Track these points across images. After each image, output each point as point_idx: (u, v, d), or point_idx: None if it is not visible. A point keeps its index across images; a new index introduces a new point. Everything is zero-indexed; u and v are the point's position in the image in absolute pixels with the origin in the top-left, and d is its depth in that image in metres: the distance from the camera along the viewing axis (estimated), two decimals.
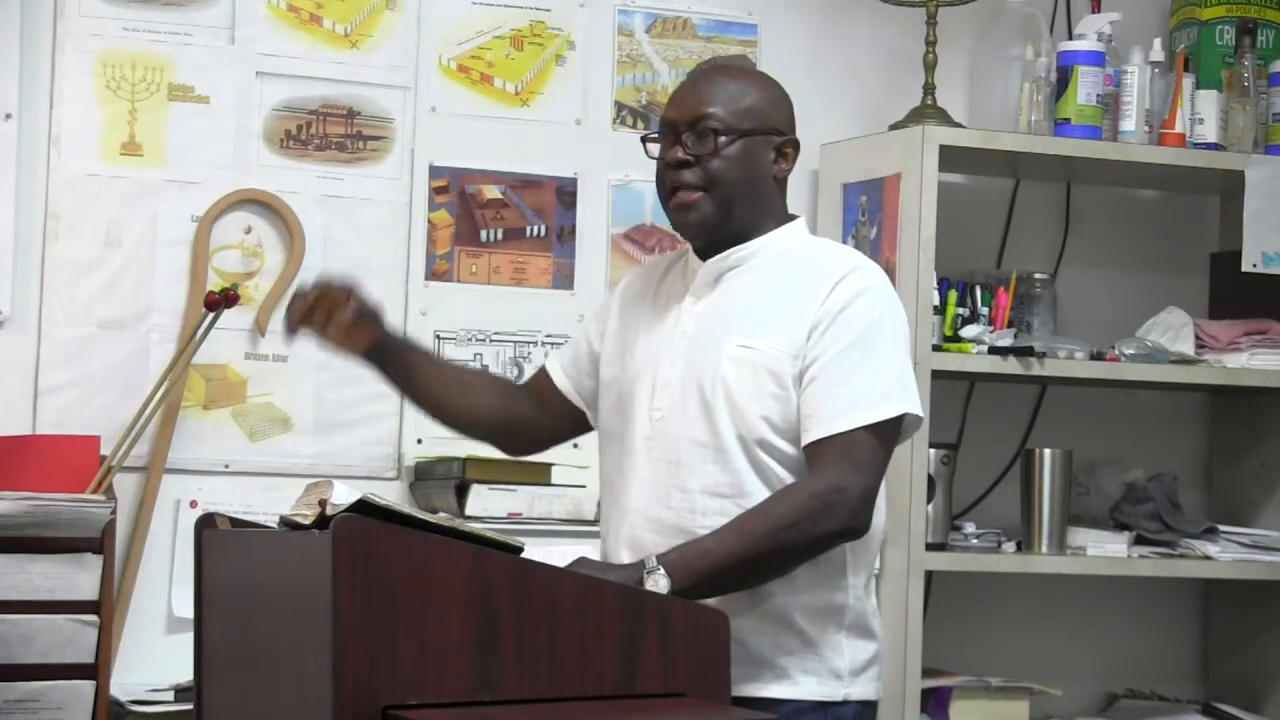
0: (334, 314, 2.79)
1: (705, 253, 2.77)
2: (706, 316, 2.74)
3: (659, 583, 2.50)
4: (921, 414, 2.71)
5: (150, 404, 3.58)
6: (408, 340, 3.01)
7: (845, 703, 2.70)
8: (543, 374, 3.00)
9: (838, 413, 2.62)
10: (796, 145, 2.79)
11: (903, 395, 2.67)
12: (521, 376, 3.90)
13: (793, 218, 2.81)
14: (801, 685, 2.67)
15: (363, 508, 2.23)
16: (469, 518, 3.56)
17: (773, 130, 2.75)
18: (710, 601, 2.55)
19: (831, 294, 2.67)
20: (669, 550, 2.57)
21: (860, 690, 2.72)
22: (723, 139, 2.71)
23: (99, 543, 3.36)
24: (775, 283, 2.72)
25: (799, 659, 2.67)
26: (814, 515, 2.58)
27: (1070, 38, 4.15)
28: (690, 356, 2.71)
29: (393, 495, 3.66)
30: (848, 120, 4.10)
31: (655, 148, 2.77)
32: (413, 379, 2.94)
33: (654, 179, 2.78)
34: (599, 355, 2.90)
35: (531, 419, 2.98)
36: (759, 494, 2.65)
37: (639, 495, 2.71)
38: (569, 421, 2.98)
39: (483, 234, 3.93)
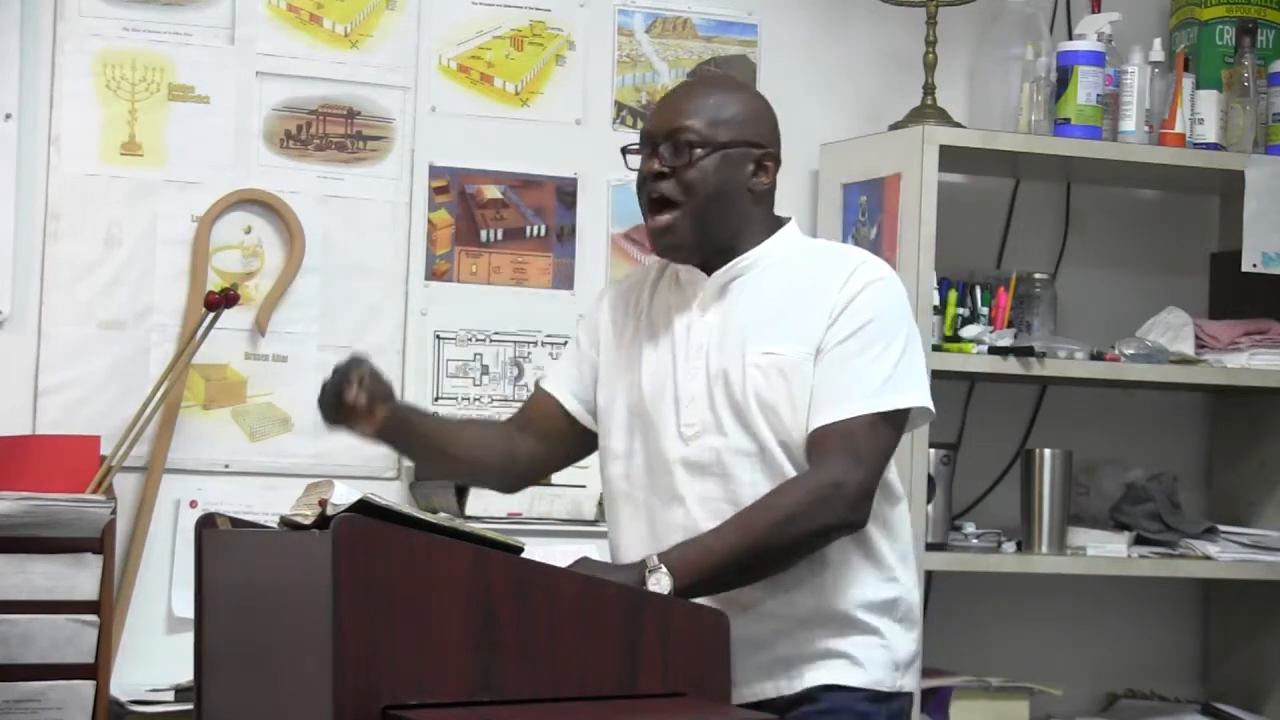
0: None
1: (707, 266, 2.74)
2: (720, 326, 2.70)
3: (661, 582, 2.49)
4: (930, 406, 2.69)
5: (150, 404, 3.58)
6: (412, 408, 2.93)
7: (900, 694, 2.71)
8: (545, 400, 2.88)
9: (836, 400, 2.62)
10: (776, 159, 2.75)
11: (907, 387, 2.65)
12: (521, 377, 3.90)
13: (782, 222, 2.78)
14: (869, 673, 2.67)
15: (363, 508, 2.23)
16: (469, 518, 3.56)
17: (751, 143, 2.72)
18: (773, 600, 2.60)
19: (842, 289, 2.66)
20: (670, 549, 2.56)
21: (910, 683, 2.73)
22: (698, 151, 2.68)
23: (99, 543, 3.36)
24: (786, 287, 2.70)
25: (866, 649, 2.67)
26: (812, 509, 2.58)
27: (1070, 38, 4.15)
28: (711, 368, 2.68)
29: (393, 495, 3.66)
30: (848, 120, 4.10)
31: (635, 160, 2.74)
32: (420, 449, 2.89)
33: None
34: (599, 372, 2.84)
35: (534, 451, 2.88)
36: None
37: (687, 516, 2.66)
38: (578, 445, 2.89)
39: (483, 234, 3.93)
